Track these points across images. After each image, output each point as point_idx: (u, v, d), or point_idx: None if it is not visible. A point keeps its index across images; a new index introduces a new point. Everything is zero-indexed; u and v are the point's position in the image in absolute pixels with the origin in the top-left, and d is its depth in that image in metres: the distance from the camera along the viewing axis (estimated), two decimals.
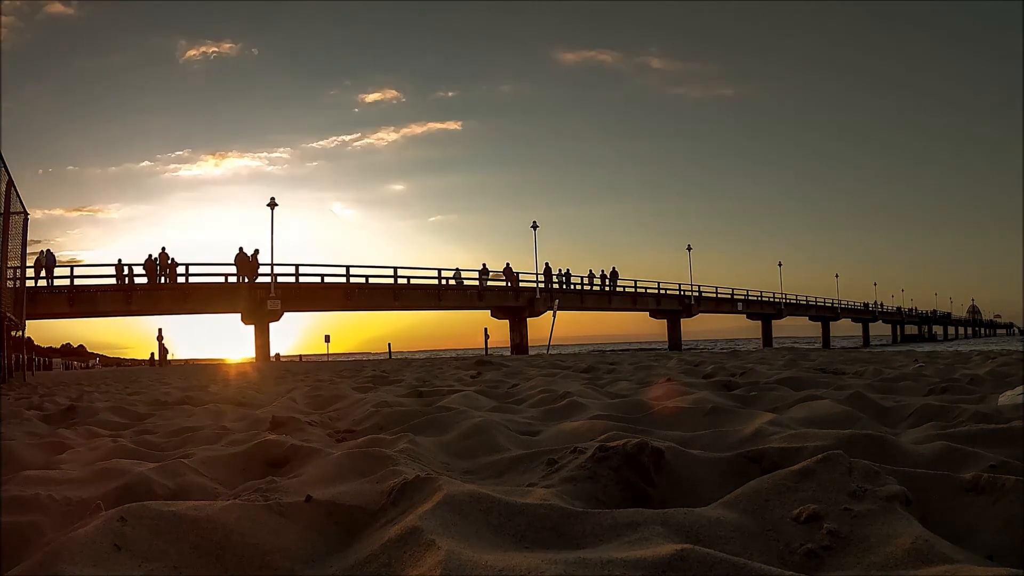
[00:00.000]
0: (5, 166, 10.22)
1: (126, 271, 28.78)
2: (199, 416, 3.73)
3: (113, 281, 28.60)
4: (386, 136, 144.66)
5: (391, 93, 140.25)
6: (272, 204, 32.44)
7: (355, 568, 1.05)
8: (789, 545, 1.08)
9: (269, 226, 32.10)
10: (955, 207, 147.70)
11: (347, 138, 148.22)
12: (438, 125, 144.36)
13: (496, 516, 1.14)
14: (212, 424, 3.22)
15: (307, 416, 3.27)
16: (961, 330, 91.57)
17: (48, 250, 27.50)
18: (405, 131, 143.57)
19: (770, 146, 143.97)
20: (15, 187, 10.86)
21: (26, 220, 12.19)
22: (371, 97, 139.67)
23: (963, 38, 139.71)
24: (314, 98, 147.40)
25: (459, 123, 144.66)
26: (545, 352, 27.85)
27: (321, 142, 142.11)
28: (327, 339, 36.27)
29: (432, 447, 2.15)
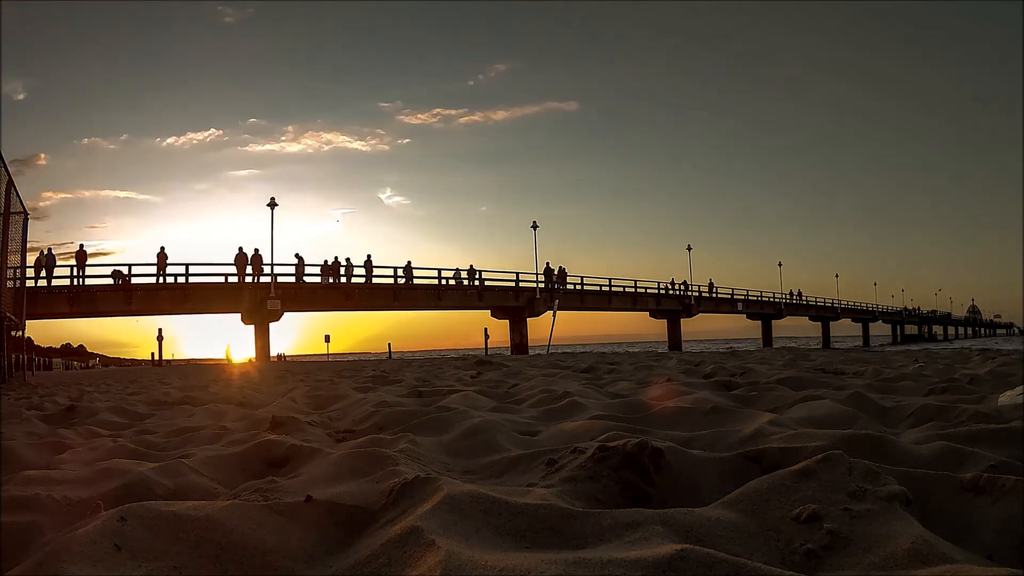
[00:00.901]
0: (5, 166, 10.22)
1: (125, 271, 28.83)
2: (199, 416, 3.73)
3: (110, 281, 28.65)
4: (494, 115, 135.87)
5: (513, 66, 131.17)
6: (272, 204, 32.46)
7: (355, 568, 1.05)
8: (789, 545, 1.08)
9: (270, 225, 32.16)
10: (955, 207, 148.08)
11: (453, 112, 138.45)
12: (557, 105, 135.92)
13: (496, 516, 1.14)
14: (212, 424, 3.22)
15: (307, 416, 3.27)
16: (961, 330, 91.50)
17: (49, 249, 27.57)
18: (515, 110, 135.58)
19: (771, 146, 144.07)
20: (15, 187, 10.86)
21: (26, 220, 12.19)
22: (497, 68, 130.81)
23: (963, 38, 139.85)
24: (428, 64, 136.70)
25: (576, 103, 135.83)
26: (545, 352, 27.86)
27: (420, 115, 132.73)
28: (327, 339, 36.33)
29: (432, 447, 2.15)
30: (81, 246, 28.68)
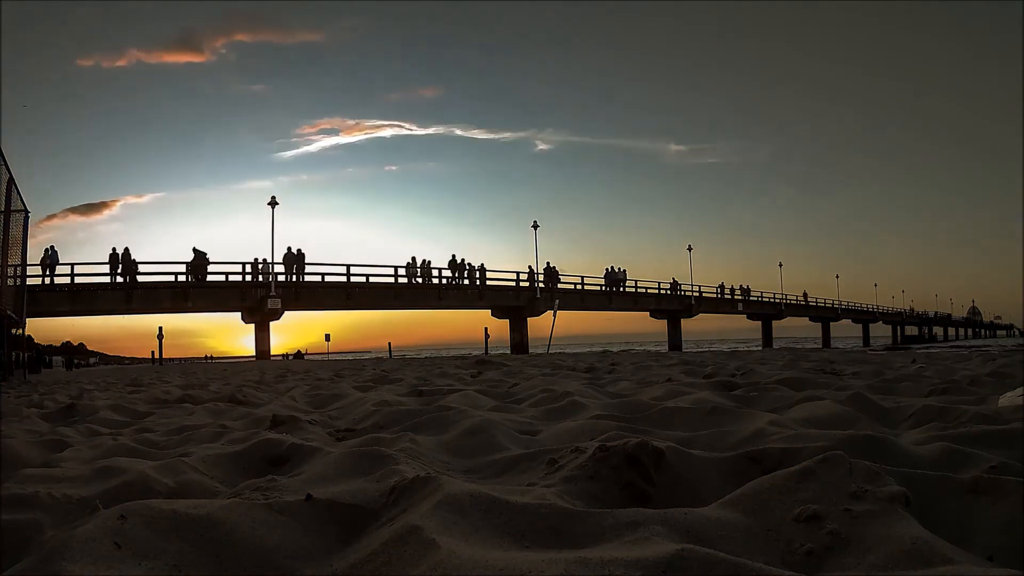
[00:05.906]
0: (6, 163, 10.23)
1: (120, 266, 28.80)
2: (199, 414, 3.73)
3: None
4: None
5: None
6: (273, 203, 32.49)
7: (355, 567, 1.05)
8: (789, 545, 1.08)
9: (270, 224, 32.18)
10: (955, 208, 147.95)
11: None
12: None
13: (496, 515, 1.14)
14: (212, 422, 3.22)
15: (307, 415, 3.27)
16: (961, 331, 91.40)
17: (53, 246, 27.57)
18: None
19: (771, 146, 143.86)
20: (16, 185, 10.87)
21: (27, 218, 12.20)
22: None
23: (962, 37, 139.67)
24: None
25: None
26: (545, 351, 27.86)
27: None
28: (327, 338, 36.38)
29: (432, 446, 2.15)
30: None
